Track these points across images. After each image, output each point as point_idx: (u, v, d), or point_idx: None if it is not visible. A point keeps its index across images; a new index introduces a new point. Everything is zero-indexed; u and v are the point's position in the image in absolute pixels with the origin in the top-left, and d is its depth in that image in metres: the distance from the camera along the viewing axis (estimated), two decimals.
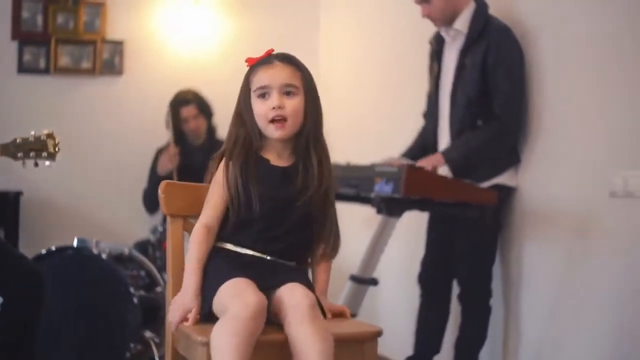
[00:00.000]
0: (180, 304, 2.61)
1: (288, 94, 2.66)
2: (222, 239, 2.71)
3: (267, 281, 2.56)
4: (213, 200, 2.70)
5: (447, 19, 4.21)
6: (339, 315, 2.73)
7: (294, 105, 2.66)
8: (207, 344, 2.42)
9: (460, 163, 4.04)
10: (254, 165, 2.67)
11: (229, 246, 2.68)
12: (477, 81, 4.09)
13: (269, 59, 2.69)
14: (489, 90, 4.08)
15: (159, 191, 2.82)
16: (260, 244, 2.66)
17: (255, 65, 2.70)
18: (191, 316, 2.58)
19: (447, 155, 4.09)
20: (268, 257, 2.66)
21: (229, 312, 2.40)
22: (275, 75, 2.65)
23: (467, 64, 4.15)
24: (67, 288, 4.48)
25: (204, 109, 5.88)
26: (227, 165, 2.68)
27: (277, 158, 2.71)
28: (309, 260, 2.78)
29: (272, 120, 2.65)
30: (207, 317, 2.58)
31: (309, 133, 2.70)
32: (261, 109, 2.66)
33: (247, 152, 2.68)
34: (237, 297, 2.43)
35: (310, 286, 2.62)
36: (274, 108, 2.63)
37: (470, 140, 4.11)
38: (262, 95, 2.66)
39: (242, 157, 2.67)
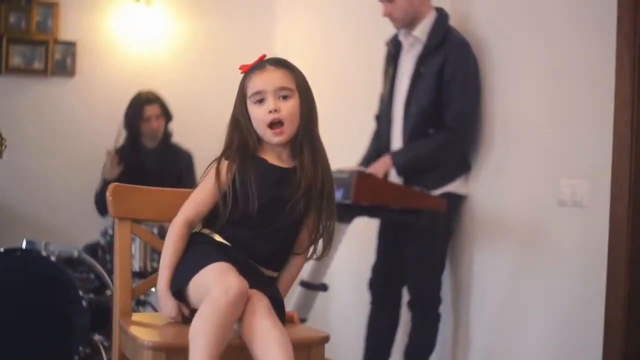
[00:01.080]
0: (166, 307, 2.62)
1: (284, 97, 2.67)
2: (209, 228, 2.70)
3: (246, 280, 2.53)
4: (200, 197, 2.69)
5: (407, 21, 4.21)
6: (287, 320, 2.72)
7: (289, 107, 2.67)
8: (152, 348, 2.40)
9: (407, 168, 4.06)
10: (251, 165, 2.66)
11: (216, 237, 2.67)
12: (432, 91, 4.11)
13: (262, 64, 2.70)
14: (443, 102, 4.09)
15: (107, 193, 2.80)
16: (248, 245, 2.65)
17: (248, 71, 2.71)
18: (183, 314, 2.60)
19: (395, 158, 4.10)
20: (251, 261, 2.64)
21: (208, 296, 2.39)
22: (268, 80, 2.66)
23: (423, 73, 4.16)
24: (15, 290, 4.43)
25: (166, 111, 5.85)
26: (220, 165, 2.68)
27: (276, 159, 2.71)
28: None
29: (270, 126, 2.65)
30: (176, 295, 2.58)
31: (302, 134, 2.70)
32: (258, 114, 2.66)
33: (244, 154, 2.68)
34: (218, 282, 2.41)
35: (277, 302, 2.60)
36: (270, 112, 2.64)
37: (420, 148, 4.13)
38: (259, 101, 2.67)
39: (239, 157, 2.67)
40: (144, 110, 5.78)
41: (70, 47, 6.12)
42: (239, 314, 2.42)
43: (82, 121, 6.17)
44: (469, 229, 4.24)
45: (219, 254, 2.57)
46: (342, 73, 5.66)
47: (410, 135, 4.20)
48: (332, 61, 5.82)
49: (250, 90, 2.68)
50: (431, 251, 4.22)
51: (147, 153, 5.77)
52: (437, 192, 4.12)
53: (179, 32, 6.33)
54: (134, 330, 2.58)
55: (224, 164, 2.67)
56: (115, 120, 5.98)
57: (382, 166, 4.12)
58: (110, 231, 5.32)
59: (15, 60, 6.03)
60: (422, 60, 4.19)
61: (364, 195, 3.74)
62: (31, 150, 5.89)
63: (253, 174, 2.64)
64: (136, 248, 4.85)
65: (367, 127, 4.64)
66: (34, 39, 6.05)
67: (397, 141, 4.30)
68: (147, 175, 5.40)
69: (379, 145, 4.43)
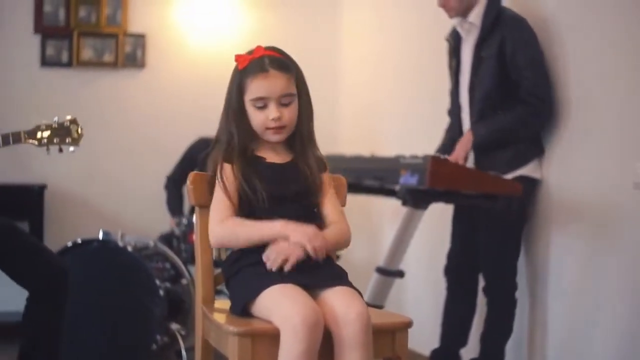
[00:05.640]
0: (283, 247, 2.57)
1: (285, 104, 2.68)
2: None
3: (309, 279, 2.55)
4: (223, 200, 2.68)
5: (462, 10, 4.19)
6: None
7: (290, 113, 2.69)
8: (238, 334, 2.43)
9: (487, 139, 4.03)
10: (250, 164, 2.68)
11: None
12: (495, 73, 4.08)
13: (263, 65, 2.66)
14: (512, 80, 4.06)
15: (188, 182, 2.81)
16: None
17: (249, 70, 2.68)
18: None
19: (476, 131, 4.08)
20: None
21: (287, 328, 2.39)
22: (272, 87, 2.66)
23: (484, 57, 4.14)
24: (93, 281, 4.49)
25: None
26: (225, 170, 2.68)
27: (273, 155, 2.74)
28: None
29: (271, 128, 2.68)
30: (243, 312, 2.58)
31: (303, 132, 2.74)
32: (259, 119, 2.68)
33: (244, 153, 2.70)
34: (292, 309, 2.41)
35: (353, 286, 2.61)
36: (273, 119, 2.66)
37: (500, 119, 4.10)
38: (260, 107, 2.67)
39: (240, 157, 2.68)
40: None
41: (139, 40, 6.19)
42: (319, 338, 2.43)
43: (153, 112, 6.24)
44: (544, 213, 4.20)
45: (281, 272, 2.55)
46: (408, 64, 5.63)
47: (477, 120, 4.18)
48: (397, 51, 5.79)
49: (251, 94, 2.67)
50: (506, 237, 4.19)
51: None
52: (509, 175, 4.08)
53: (247, 23, 6.36)
54: (218, 317, 2.60)
55: (227, 167, 2.68)
56: (185, 111, 6.04)
57: (463, 146, 4.11)
58: (184, 221, 5.37)
59: (86, 54, 6.11)
60: (480, 45, 4.17)
61: (439, 181, 3.71)
62: (103, 141, 5.96)
63: (255, 174, 2.65)
64: None
65: (439, 120, 4.62)
66: (104, 32, 6.14)
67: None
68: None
69: (452, 137, 4.40)
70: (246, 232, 2.63)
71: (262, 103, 2.66)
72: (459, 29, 4.30)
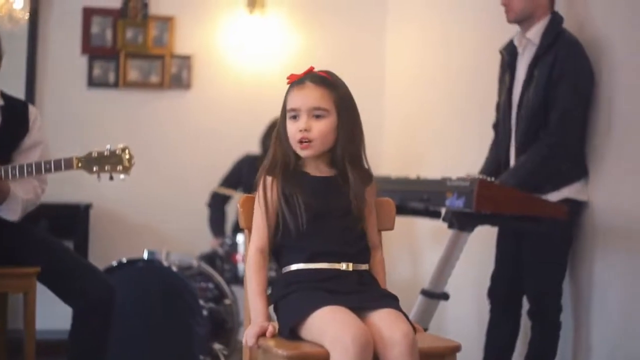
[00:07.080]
0: (256, 325, 2.63)
1: (317, 117, 2.72)
2: (288, 262, 2.74)
3: (357, 301, 2.58)
4: (260, 222, 2.74)
5: (523, 15, 4.13)
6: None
7: (321, 127, 2.72)
8: (287, 358, 2.43)
9: (518, 188, 4.00)
10: (293, 178, 2.73)
11: (300, 265, 2.70)
12: (542, 93, 4.04)
13: (302, 80, 2.75)
14: (549, 101, 4.04)
15: (238, 204, 2.84)
16: (329, 254, 2.69)
17: (290, 85, 2.77)
18: (269, 332, 2.59)
19: (504, 183, 4.05)
20: (344, 266, 2.68)
21: (336, 348, 2.41)
22: (305, 98, 2.72)
23: (535, 76, 4.11)
24: (138, 300, 4.53)
25: None
26: (266, 183, 2.74)
27: (316, 170, 2.78)
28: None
29: (300, 141, 2.71)
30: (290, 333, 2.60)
31: (344, 151, 2.75)
32: (291, 131, 2.73)
33: (286, 169, 2.75)
34: (341, 331, 2.43)
35: (401, 310, 2.63)
36: (300, 130, 2.70)
37: (525, 164, 4.06)
38: (293, 117, 2.73)
39: (282, 172, 2.73)
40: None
41: (185, 61, 6.24)
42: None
43: (198, 133, 6.29)
44: (590, 235, 4.17)
45: (320, 292, 2.60)
46: (453, 79, 5.63)
47: (522, 140, 4.15)
48: (442, 67, 5.79)
49: (287, 106, 2.75)
50: (551, 259, 4.16)
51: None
52: (554, 196, 4.05)
53: (293, 43, 6.40)
54: (266, 340, 2.60)
55: (268, 180, 2.73)
56: (231, 132, 6.07)
57: None
58: (228, 241, 5.39)
59: (133, 75, 6.17)
60: (534, 63, 4.13)
61: (486, 204, 3.70)
62: (149, 161, 5.98)
63: (297, 187, 2.70)
64: None
65: (485, 135, 4.61)
66: (151, 54, 6.20)
67: (515, 150, 4.26)
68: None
69: (497, 154, 4.39)
70: (248, 289, 2.72)
71: (294, 114, 2.73)
72: (517, 43, 4.26)
